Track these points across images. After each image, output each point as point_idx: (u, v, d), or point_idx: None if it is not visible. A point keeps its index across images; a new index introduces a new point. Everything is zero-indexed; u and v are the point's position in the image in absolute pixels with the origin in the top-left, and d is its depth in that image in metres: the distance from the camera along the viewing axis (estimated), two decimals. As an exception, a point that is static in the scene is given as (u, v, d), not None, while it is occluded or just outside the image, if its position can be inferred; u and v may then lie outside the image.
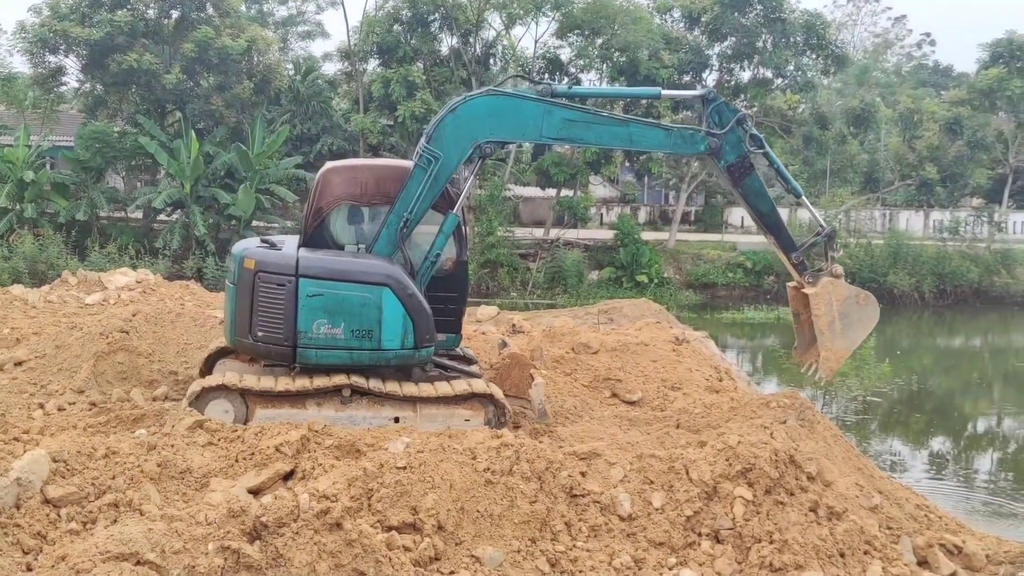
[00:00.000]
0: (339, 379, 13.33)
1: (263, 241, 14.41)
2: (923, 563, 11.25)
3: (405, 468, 10.34)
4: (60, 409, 14.58)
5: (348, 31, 50.94)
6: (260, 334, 13.49)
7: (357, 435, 12.16)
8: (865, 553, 10.70)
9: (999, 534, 13.29)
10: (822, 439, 13.78)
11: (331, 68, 57.33)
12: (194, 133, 43.89)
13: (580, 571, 10.02)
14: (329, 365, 13.53)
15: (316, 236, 14.31)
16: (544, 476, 10.94)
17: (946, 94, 66.75)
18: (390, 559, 9.18)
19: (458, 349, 15.36)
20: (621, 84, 48.73)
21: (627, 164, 56.31)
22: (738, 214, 60.66)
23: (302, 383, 13.34)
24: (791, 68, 50.03)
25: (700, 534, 10.73)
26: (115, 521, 10.13)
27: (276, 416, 13.17)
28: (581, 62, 49.70)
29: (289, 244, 14.32)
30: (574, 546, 10.37)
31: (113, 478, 10.90)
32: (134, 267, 31.56)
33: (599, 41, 48.22)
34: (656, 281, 47.75)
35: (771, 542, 10.42)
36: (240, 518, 9.09)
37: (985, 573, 11.46)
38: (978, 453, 25.12)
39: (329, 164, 15.17)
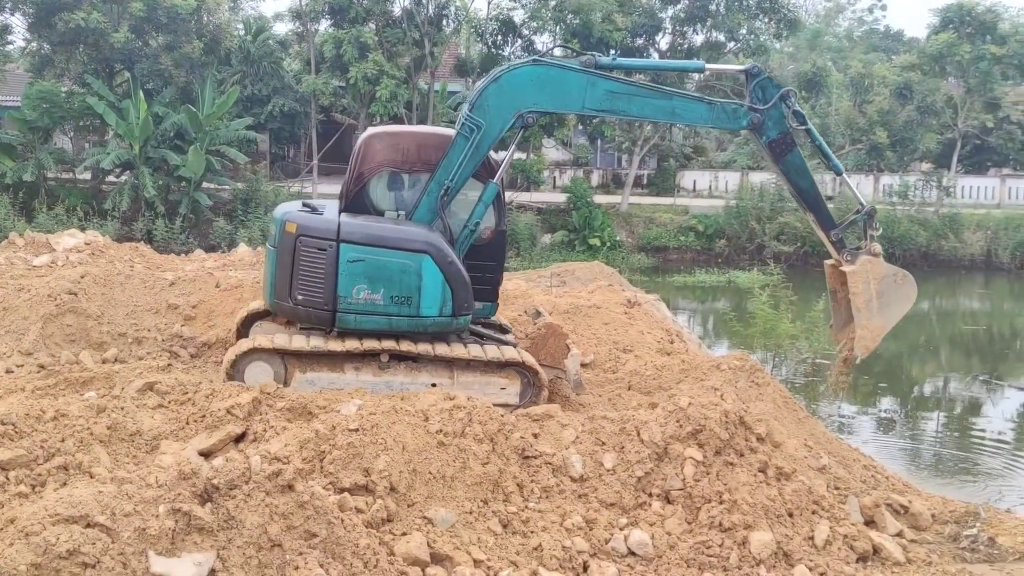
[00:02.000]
0: (370, 343, 13.29)
1: (304, 205, 14.30)
2: (870, 523, 11.43)
3: (357, 430, 10.33)
4: (8, 372, 14.47)
5: (299, -10, 50.49)
6: (300, 298, 13.49)
7: (309, 397, 12.15)
8: (813, 513, 10.84)
9: (944, 494, 13.54)
10: (772, 401, 13.95)
11: (282, 28, 56.75)
12: (143, 93, 43.38)
13: (532, 532, 10.08)
14: (367, 330, 13.54)
15: (356, 201, 14.31)
16: (496, 437, 10.98)
17: (897, 59, 67.13)
18: (342, 520, 9.18)
19: (493, 318, 15.30)
20: (574, 46, 48.64)
21: (579, 127, 56.25)
22: (690, 178, 60.88)
23: (352, 345, 13.32)
24: (744, 32, 50.12)
25: (651, 495, 10.81)
26: (64, 484, 10.07)
27: (315, 380, 13.15)
28: (535, 24, 49.54)
29: (330, 209, 14.31)
30: (526, 507, 10.43)
31: (62, 441, 10.82)
32: (82, 229, 31.20)
33: (552, 3, 48.03)
34: (608, 244, 47.86)
35: (721, 502, 10.53)
36: (191, 480, 9.04)
37: (931, 532, 11.65)
38: (925, 414, 25.47)
39: (371, 130, 15.12)
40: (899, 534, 11.31)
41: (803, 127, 14.31)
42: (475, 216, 13.98)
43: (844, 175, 14.71)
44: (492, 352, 13.65)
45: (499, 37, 50.16)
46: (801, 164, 14.46)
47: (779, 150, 14.25)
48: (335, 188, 48.69)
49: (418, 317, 13.64)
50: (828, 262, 14.89)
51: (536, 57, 15.05)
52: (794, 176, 14.51)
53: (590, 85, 13.87)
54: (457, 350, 13.54)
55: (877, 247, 14.18)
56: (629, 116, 14.81)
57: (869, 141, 57.94)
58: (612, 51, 46.94)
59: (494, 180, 14.04)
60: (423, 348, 13.37)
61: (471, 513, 10.09)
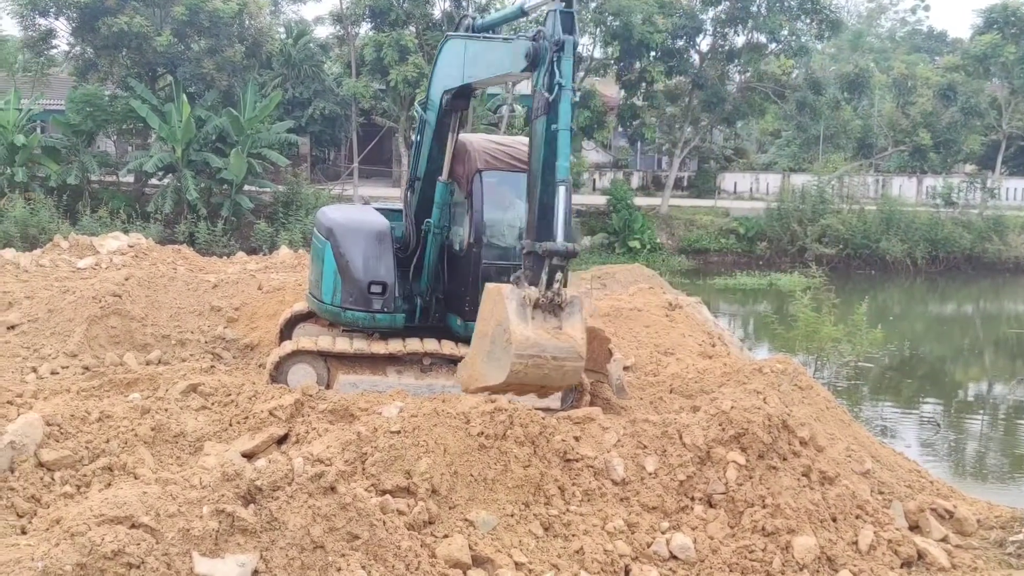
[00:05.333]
0: (413, 346, 13.31)
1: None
2: (915, 527, 11.32)
3: (399, 432, 10.34)
4: (53, 373, 14.61)
5: (340, -6, 50.66)
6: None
7: (351, 399, 12.18)
8: (857, 518, 10.75)
9: (990, 499, 13.37)
10: (815, 404, 13.85)
11: (323, 32, 56.94)
12: (185, 97, 43.61)
13: (573, 535, 10.05)
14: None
15: None
16: (538, 440, 10.95)
17: (940, 60, 66.59)
18: (384, 522, 9.20)
19: None
20: (614, 48, 48.51)
21: (620, 129, 56.14)
22: (731, 180, 60.60)
23: (395, 347, 13.37)
24: (785, 33, 49.77)
25: (693, 498, 10.75)
26: (109, 485, 10.16)
27: (358, 382, 13.20)
28: (575, 26, 49.41)
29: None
30: (567, 510, 10.40)
31: (107, 442, 10.92)
32: (126, 231, 31.47)
33: (593, 5, 47.94)
34: (649, 247, 47.69)
35: (764, 506, 10.46)
36: (234, 481, 9.08)
37: (976, 537, 11.53)
38: (969, 418, 25.20)
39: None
40: (944, 539, 11.19)
41: (547, 94, 10.64)
42: (432, 218, 13.53)
43: (567, 185, 10.52)
44: None
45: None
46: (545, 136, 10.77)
47: (537, 107, 10.94)
48: (375, 191, 49.03)
49: (320, 301, 14.05)
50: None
51: (448, 33, 14.15)
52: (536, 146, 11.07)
53: (465, 50, 12.96)
54: None
55: (566, 295, 10.32)
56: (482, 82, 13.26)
57: (912, 143, 57.49)
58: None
59: (442, 179, 13.36)
60: (464, 350, 13.37)
61: (512, 516, 10.07)
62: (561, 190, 10.12)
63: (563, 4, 10.64)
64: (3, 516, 9.54)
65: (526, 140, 13.97)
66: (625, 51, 48.54)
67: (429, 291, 13.85)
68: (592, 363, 14.32)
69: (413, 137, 13.54)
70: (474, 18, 13.50)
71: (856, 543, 10.40)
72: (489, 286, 10.42)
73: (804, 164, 59.46)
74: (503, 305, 9.91)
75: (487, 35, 13.19)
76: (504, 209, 13.68)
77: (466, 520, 9.85)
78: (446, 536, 9.60)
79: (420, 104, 14.09)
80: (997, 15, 54.59)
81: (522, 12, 12.32)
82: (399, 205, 15.15)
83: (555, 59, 10.44)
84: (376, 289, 13.76)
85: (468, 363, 10.88)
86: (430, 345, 13.42)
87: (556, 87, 10.35)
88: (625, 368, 15.82)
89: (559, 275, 9.84)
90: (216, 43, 45.15)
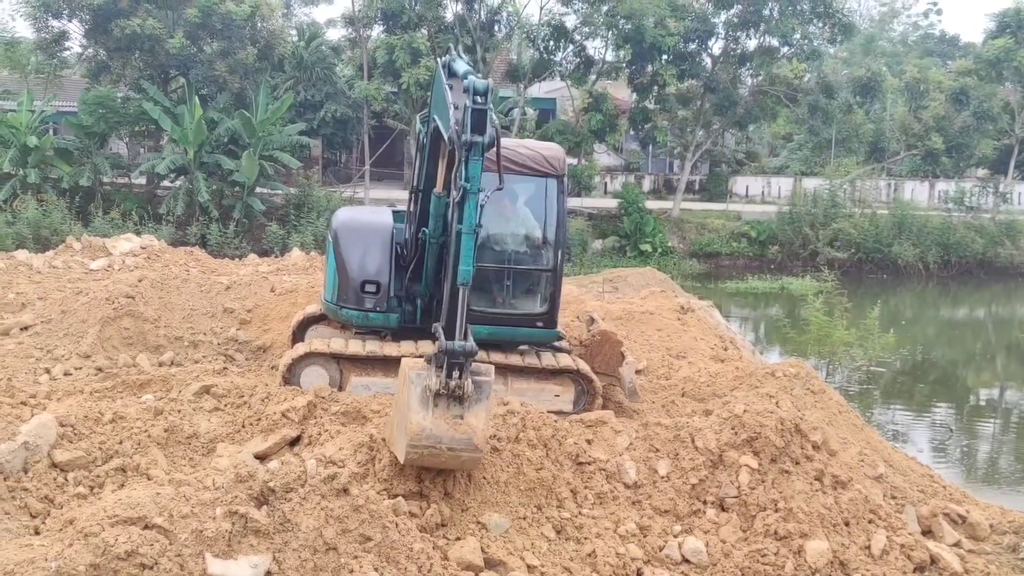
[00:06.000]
0: (426, 348, 13.30)
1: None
2: (927, 532, 11.30)
3: (412, 435, 10.33)
4: (66, 374, 14.64)
5: (353, -3, 50.72)
6: None
7: (363, 401, 12.19)
8: (870, 522, 10.74)
9: (1003, 504, 13.34)
10: (827, 409, 13.83)
11: (335, 34, 56.98)
12: (198, 99, 43.67)
13: (586, 538, 10.06)
14: None
15: None
16: (550, 443, 10.96)
17: (952, 64, 66.39)
18: (397, 524, 9.22)
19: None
20: (626, 52, 48.48)
21: (631, 132, 56.08)
22: (743, 183, 60.47)
23: (407, 349, 13.37)
24: (797, 36, 49.63)
25: (705, 502, 10.76)
26: (122, 486, 10.19)
27: (370, 384, 13.20)
28: (587, 29, 49.43)
29: None
30: (580, 513, 10.41)
31: (120, 443, 10.95)
32: (138, 233, 31.56)
33: (605, 8, 47.89)
34: (660, 250, 47.62)
35: (776, 510, 10.46)
36: (247, 483, 9.11)
37: (989, 543, 11.50)
38: (982, 423, 25.15)
39: None
40: (957, 544, 11.16)
41: (454, 192, 10.47)
42: (429, 228, 13.19)
43: (466, 288, 10.15)
44: (547, 359, 13.61)
45: (551, 43, 50.02)
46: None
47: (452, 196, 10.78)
48: (387, 193, 49.07)
49: (324, 299, 14.26)
50: None
51: (440, 60, 13.72)
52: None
53: (434, 87, 12.74)
54: (512, 357, 13.51)
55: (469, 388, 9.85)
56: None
57: (924, 147, 57.36)
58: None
59: (437, 191, 12.80)
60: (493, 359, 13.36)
61: (525, 519, 10.08)
62: (462, 292, 9.93)
63: (476, 99, 10.06)
64: (17, 516, 9.57)
65: (526, 143, 14.02)
66: (637, 54, 48.46)
67: (429, 293, 13.87)
68: (604, 366, 14.33)
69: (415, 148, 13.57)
70: (452, 57, 13.17)
71: (869, 548, 10.39)
72: (402, 364, 10.30)
73: (816, 168, 59.34)
74: (406, 390, 9.80)
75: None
76: (501, 214, 13.69)
77: (479, 523, 9.86)
78: (458, 539, 9.62)
79: (421, 119, 14.12)
80: (1010, 19, 54.43)
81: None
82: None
83: (465, 159, 10.06)
84: (370, 288, 13.81)
85: (387, 425, 10.67)
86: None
87: (462, 189, 10.03)
88: (637, 372, 15.80)
89: (457, 372, 9.64)
90: (228, 45, 45.22)
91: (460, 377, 9.62)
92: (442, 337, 9.77)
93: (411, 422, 9.53)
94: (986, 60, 54.58)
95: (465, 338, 9.72)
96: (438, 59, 13.07)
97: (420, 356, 13.21)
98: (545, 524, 10.12)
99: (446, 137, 10.91)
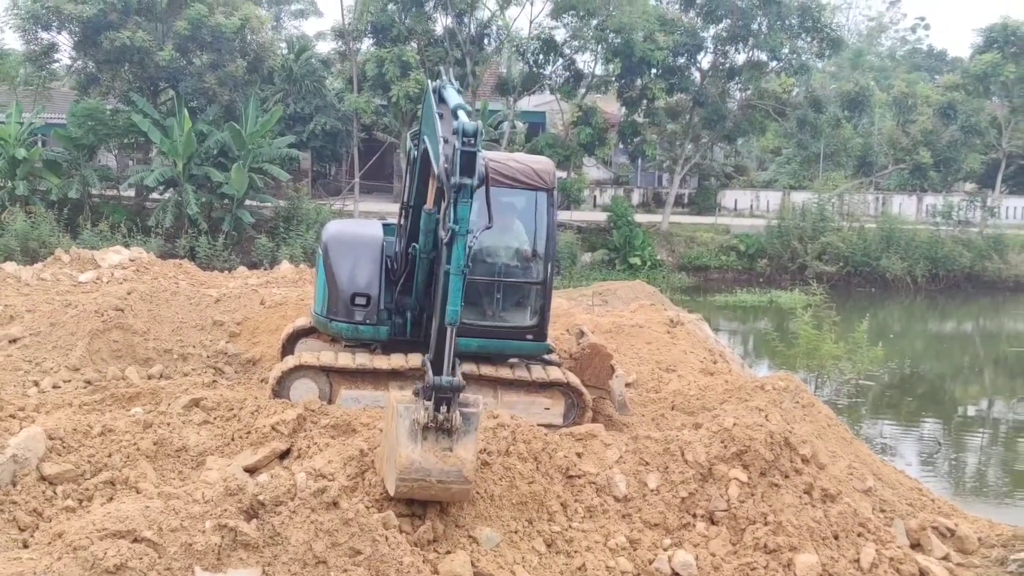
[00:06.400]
0: (415, 361, 13.30)
1: None
2: (916, 545, 11.32)
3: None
4: (55, 387, 14.60)
5: (342, 10, 50.67)
6: None
7: (353, 415, 12.18)
8: (859, 535, 10.76)
9: (991, 517, 13.37)
10: (816, 422, 13.85)
11: (325, 47, 57.00)
12: (187, 111, 43.63)
13: (576, 551, 10.06)
14: None
15: None
16: (540, 457, 10.97)
17: (940, 79, 66.63)
18: (387, 538, 9.21)
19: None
20: (616, 65, 48.59)
21: (621, 146, 56.19)
22: (731, 197, 60.58)
23: (397, 363, 13.37)
24: (786, 51, 49.81)
25: (695, 515, 10.77)
26: (111, 499, 10.16)
27: (360, 397, 13.19)
28: (576, 43, 49.56)
29: None
30: (570, 526, 10.41)
31: (109, 456, 10.93)
32: (126, 245, 31.50)
33: (594, 22, 48.01)
34: (649, 263, 47.67)
35: (766, 524, 10.47)
36: (237, 496, 9.10)
37: (977, 556, 11.52)
38: (970, 436, 25.19)
39: None
40: (945, 557, 11.19)
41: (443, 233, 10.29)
42: (419, 244, 13.12)
43: (454, 327, 10.05)
44: (537, 372, 13.62)
45: (540, 56, 50.14)
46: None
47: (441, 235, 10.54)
48: (377, 206, 49.09)
49: (314, 312, 14.24)
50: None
51: (431, 84, 13.53)
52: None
53: (424, 111, 12.82)
54: (502, 370, 13.52)
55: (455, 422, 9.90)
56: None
57: (912, 161, 57.56)
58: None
59: (427, 208, 12.67)
60: (468, 368, 13.32)
61: (516, 532, 10.08)
62: (449, 331, 9.90)
63: (466, 141, 9.91)
64: (5, 530, 9.54)
65: (516, 156, 14.05)
66: (626, 68, 48.60)
67: (419, 307, 13.88)
68: (594, 379, 14.34)
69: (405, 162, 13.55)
70: (443, 83, 13.08)
71: (858, 561, 10.41)
72: (389, 398, 10.36)
73: (804, 182, 59.44)
74: (395, 423, 9.78)
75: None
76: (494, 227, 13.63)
77: (470, 536, 9.85)
78: (448, 552, 9.60)
79: (411, 136, 14.12)
80: (997, 34, 54.68)
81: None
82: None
83: (454, 200, 9.97)
84: (360, 301, 13.83)
85: (378, 458, 10.59)
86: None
87: (450, 231, 9.96)
88: (627, 385, 15.80)
89: (445, 405, 9.67)
90: (218, 58, 45.22)
91: (448, 411, 9.65)
92: (430, 372, 9.78)
93: (400, 455, 9.54)
94: (973, 75, 54.80)
95: (453, 373, 9.76)
96: (429, 80, 13.02)
97: (413, 367, 13.25)
98: (536, 538, 10.13)
99: (435, 171, 10.86)
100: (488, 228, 10.66)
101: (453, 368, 9.80)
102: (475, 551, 9.68)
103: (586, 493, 10.84)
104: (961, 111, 55.01)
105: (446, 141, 10.52)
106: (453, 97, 11.78)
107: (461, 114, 10.40)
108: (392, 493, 9.78)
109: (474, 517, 10.07)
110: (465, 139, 9.86)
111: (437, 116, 11.61)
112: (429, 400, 9.66)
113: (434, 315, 10.55)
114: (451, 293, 9.88)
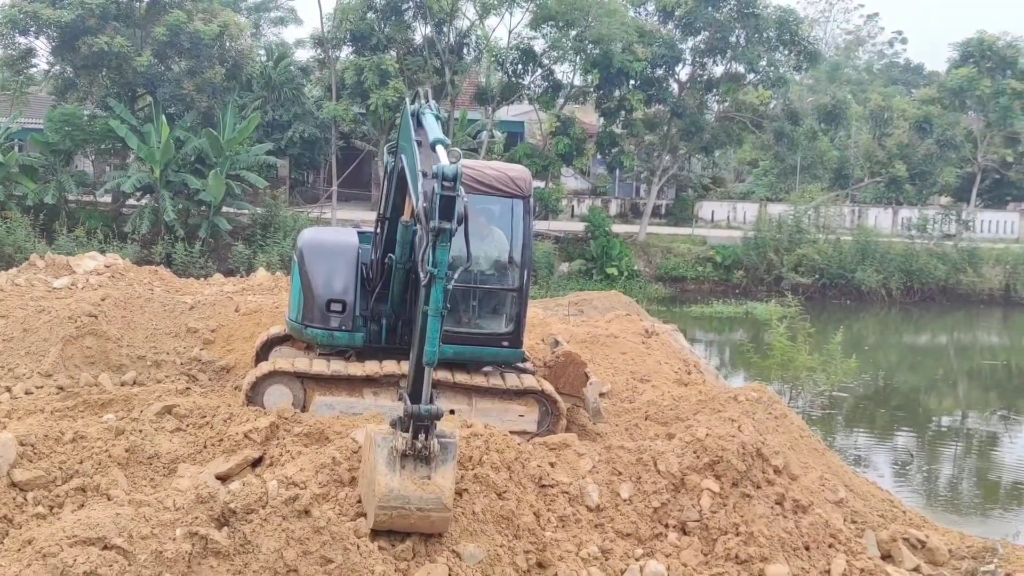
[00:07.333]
0: (390, 368, 13.28)
1: None
2: (887, 557, 11.37)
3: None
4: (27, 393, 14.52)
5: (321, 18, 50.65)
6: None
7: (326, 423, 12.15)
8: (830, 546, 10.81)
9: (962, 529, 13.46)
10: (789, 433, 13.90)
11: (304, 55, 57.00)
12: (164, 118, 43.53)
13: (548, 562, 10.05)
14: None
15: None
16: (513, 466, 10.96)
17: (916, 92, 67.08)
18: (358, 547, 9.19)
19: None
20: (594, 76, 48.70)
21: (599, 157, 56.33)
22: (708, 208, 60.81)
23: (371, 369, 13.34)
24: (763, 63, 50.13)
25: (667, 525, 10.79)
26: (82, 506, 10.11)
27: (334, 404, 13.14)
28: (555, 54, 49.65)
29: None
30: (542, 536, 10.40)
31: (81, 463, 10.88)
32: (102, 251, 31.36)
33: (573, 33, 48.12)
34: (626, 274, 47.77)
35: (737, 534, 10.50)
36: (208, 504, 9.08)
37: (948, 568, 11.58)
38: (942, 449, 25.33)
39: None
40: (916, 569, 11.24)
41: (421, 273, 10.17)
42: (395, 255, 13.21)
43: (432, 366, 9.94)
44: (511, 380, 13.62)
45: (519, 66, 50.29)
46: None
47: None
48: (354, 214, 49.01)
49: (289, 319, 14.22)
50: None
51: (409, 107, 13.03)
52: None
53: (402, 133, 12.67)
54: (476, 378, 13.52)
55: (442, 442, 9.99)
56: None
57: (888, 174, 57.95)
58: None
59: (404, 219, 12.73)
60: (442, 375, 13.32)
61: (502, 547, 10.03)
62: (427, 370, 9.83)
63: (446, 185, 9.74)
64: (-26, 536, 9.49)
65: (493, 164, 14.05)
66: (605, 79, 48.74)
67: (395, 314, 13.88)
68: (568, 387, 14.33)
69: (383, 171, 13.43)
70: (420, 107, 12.94)
71: (828, 572, 10.45)
72: (367, 429, 10.38)
73: (781, 194, 59.75)
74: (373, 453, 9.76)
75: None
76: (473, 235, 13.58)
77: (454, 552, 9.81)
78: (418, 562, 9.58)
79: (388, 149, 14.09)
80: (973, 49, 55.19)
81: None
82: None
83: (432, 244, 9.80)
84: (336, 307, 13.82)
85: (359, 490, 10.39)
86: (407, 367, 13.39)
87: (428, 274, 9.81)
88: (601, 394, 15.81)
89: (423, 434, 9.65)
90: (196, 64, 45.16)
91: (427, 438, 9.63)
92: (407, 401, 9.76)
93: (379, 484, 9.52)
94: (949, 89, 55.29)
95: (431, 401, 9.74)
96: (408, 101, 12.89)
97: (388, 373, 13.25)
98: (520, 555, 10.08)
99: (415, 209, 10.70)
100: (467, 269, 10.66)
101: (431, 399, 9.78)
102: (456, 565, 9.63)
103: (559, 503, 10.84)
104: (937, 125, 55.46)
105: (425, 175, 10.44)
106: (433, 129, 11.59)
107: (440, 152, 10.31)
108: (371, 525, 9.71)
109: (462, 532, 10.01)
110: (445, 183, 9.75)
111: (416, 144, 11.52)
112: (407, 431, 9.63)
113: (411, 349, 10.46)
114: (429, 334, 9.81)
